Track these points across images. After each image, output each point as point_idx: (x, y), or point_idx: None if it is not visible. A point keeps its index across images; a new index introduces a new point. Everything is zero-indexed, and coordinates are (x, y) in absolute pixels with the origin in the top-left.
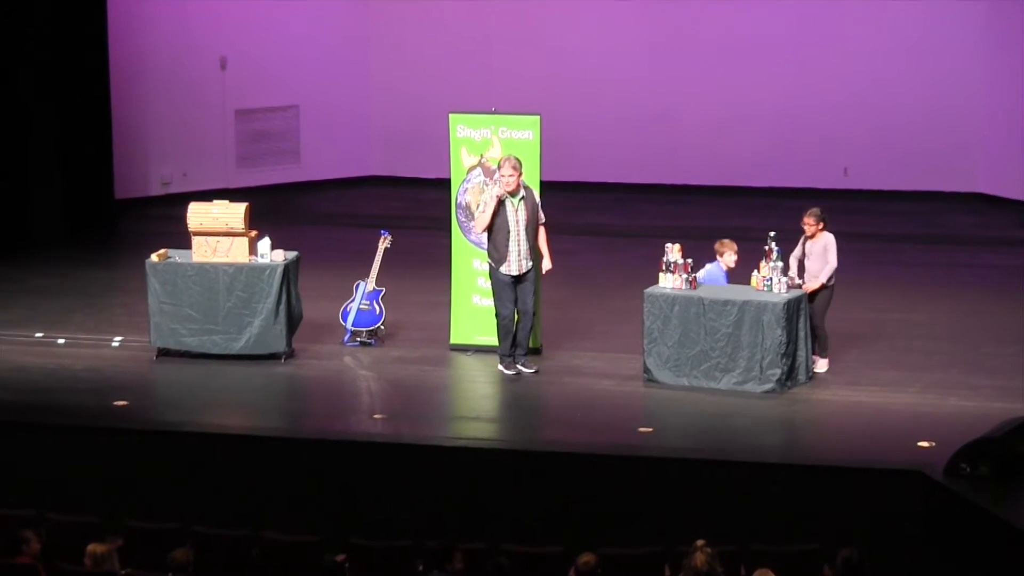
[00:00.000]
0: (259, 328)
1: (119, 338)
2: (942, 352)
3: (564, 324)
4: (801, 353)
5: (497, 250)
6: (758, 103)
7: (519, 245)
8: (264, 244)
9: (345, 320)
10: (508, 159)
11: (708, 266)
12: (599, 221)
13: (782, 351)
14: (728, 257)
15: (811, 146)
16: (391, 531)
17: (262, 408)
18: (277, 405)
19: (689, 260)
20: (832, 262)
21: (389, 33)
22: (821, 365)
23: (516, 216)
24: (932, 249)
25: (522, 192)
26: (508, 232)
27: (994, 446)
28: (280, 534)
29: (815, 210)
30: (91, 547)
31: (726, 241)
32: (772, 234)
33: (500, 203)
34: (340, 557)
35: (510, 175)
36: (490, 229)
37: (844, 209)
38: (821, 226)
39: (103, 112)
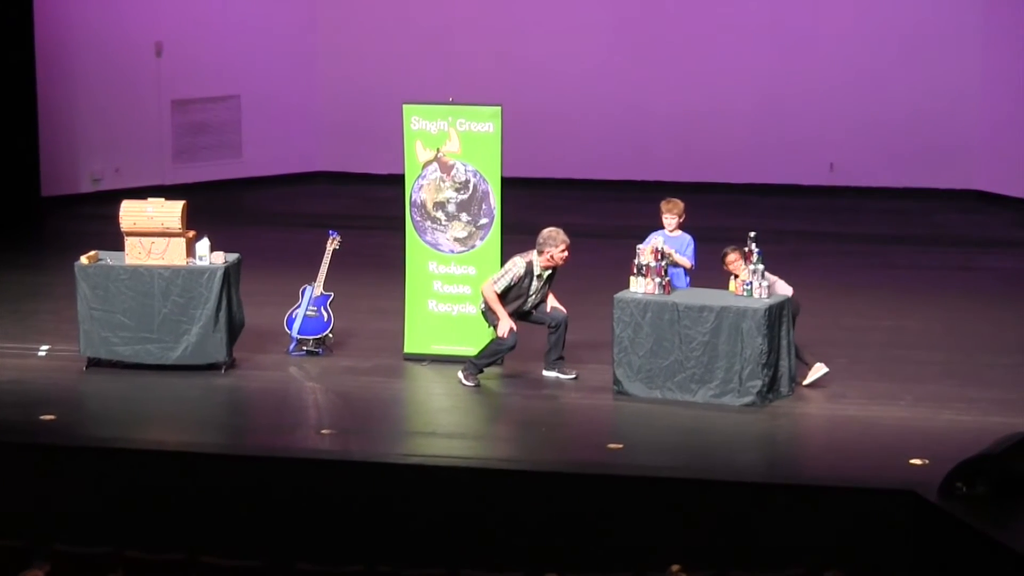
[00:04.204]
0: (197, 336)
1: (46, 347)
2: (936, 362)
3: (527, 332)
4: (784, 363)
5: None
6: (736, 93)
7: (519, 310)
8: (203, 245)
9: (290, 327)
10: (563, 236)
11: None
12: (565, 220)
13: (763, 361)
14: (668, 219)
15: (794, 140)
16: (340, 555)
17: (201, 422)
18: (217, 419)
19: (664, 263)
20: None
21: (338, 17)
22: (815, 371)
23: (540, 288)
24: (925, 251)
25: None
26: (522, 300)
27: (992, 464)
28: (220, 558)
29: (728, 251)
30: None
31: (672, 200)
32: (752, 234)
33: (530, 275)
34: None
35: (564, 255)
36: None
37: (830, 208)
38: (752, 257)
39: (28, 103)
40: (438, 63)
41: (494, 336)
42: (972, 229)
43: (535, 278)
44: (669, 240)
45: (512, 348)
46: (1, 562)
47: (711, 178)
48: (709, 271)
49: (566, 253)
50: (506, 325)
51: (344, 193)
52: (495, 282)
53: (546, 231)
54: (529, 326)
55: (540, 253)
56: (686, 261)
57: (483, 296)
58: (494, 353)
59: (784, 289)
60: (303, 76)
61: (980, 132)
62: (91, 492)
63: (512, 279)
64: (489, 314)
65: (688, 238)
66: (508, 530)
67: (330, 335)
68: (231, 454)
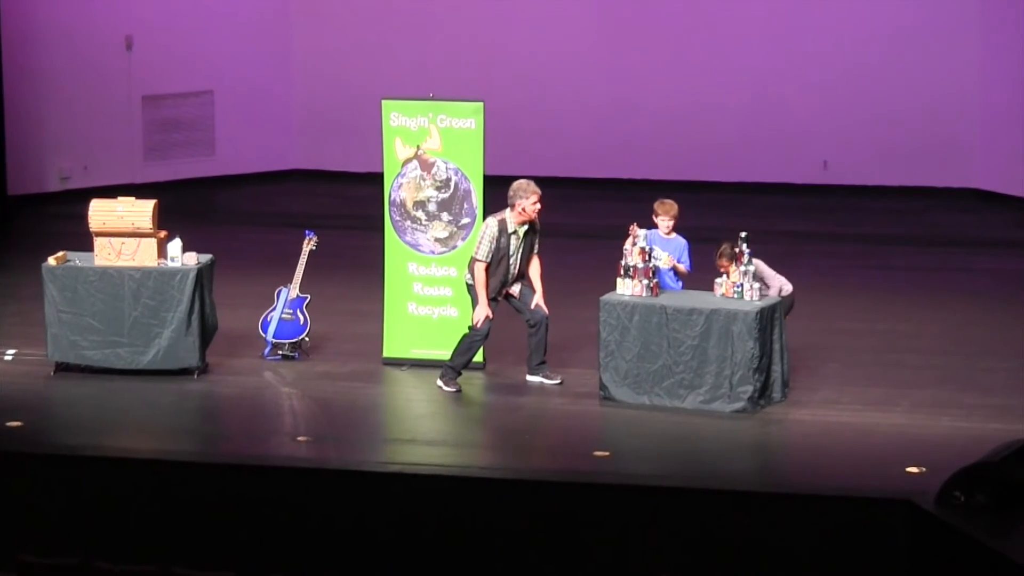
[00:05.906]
0: (169, 340)
1: (12, 351)
2: (933, 367)
3: (511, 336)
4: (776, 368)
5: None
6: (727, 88)
7: (508, 275)
8: (174, 246)
9: (265, 331)
10: (533, 187)
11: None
12: (549, 220)
13: (754, 366)
14: (662, 221)
15: (787, 137)
16: (316, 566)
17: (172, 429)
18: (189, 426)
19: (652, 264)
20: (779, 282)
21: (314, 10)
22: None
23: (519, 247)
24: (922, 251)
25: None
26: (505, 263)
27: (991, 472)
28: (192, 570)
29: (724, 249)
30: None
31: (666, 202)
32: (743, 235)
33: (505, 233)
34: None
35: (537, 207)
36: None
37: (824, 207)
38: (743, 258)
39: None
40: (418, 57)
41: (466, 331)
42: (970, 229)
43: (511, 236)
44: (663, 243)
45: (486, 337)
46: None
47: (701, 176)
48: (704, 272)
49: (538, 205)
50: (482, 313)
51: (321, 192)
52: (477, 251)
53: (515, 183)
54: (509, 322)
55: (512, 208)
56: (683, 268)
57: (472, 273)
58: (468, 348)
59: (784, 285)
60: (278, 71)
61: (978, 129)
62: (59, 501)
63: (491, 242)
64: (472, 292)
65: (683, 242)
66: (491, 540)
67: (306, 339)
68: (204, 462)
